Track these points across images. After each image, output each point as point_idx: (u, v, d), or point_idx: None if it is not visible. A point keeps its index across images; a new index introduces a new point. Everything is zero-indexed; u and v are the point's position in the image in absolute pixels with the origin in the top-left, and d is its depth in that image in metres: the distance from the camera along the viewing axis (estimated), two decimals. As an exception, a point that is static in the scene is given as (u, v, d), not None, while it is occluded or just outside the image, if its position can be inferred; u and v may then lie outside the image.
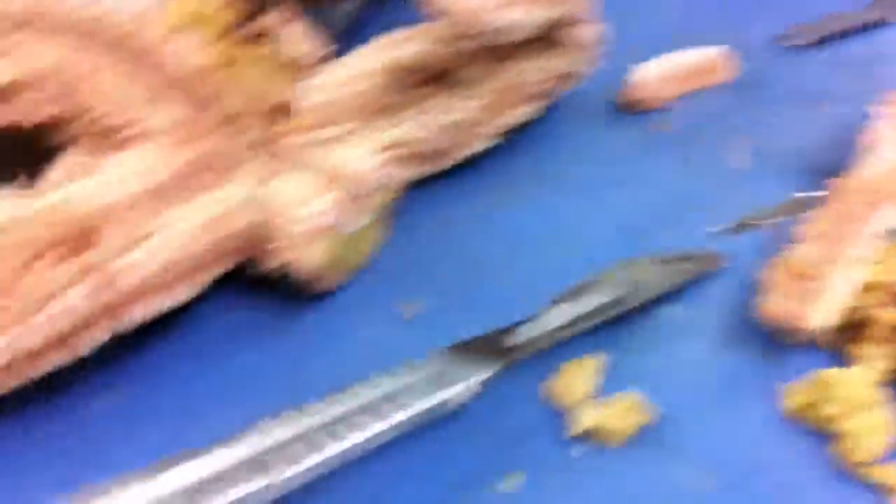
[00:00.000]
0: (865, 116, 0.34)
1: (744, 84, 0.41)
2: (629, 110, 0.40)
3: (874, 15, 0.44)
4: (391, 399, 0.25)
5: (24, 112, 0.31)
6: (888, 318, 0.28)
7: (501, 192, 0.36)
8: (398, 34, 0.37)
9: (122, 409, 0.29)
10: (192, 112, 0.32)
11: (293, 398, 0.26)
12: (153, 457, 0.24)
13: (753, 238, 0.33)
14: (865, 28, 0.44)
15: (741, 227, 0.32)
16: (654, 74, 0.40)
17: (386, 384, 0.25)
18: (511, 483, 0.26)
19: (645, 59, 0.40)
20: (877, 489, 0.26)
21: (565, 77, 0.38)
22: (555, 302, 0.29)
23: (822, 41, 0.43)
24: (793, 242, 0.31)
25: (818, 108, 0.39)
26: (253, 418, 0.25)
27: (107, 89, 0.31)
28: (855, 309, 0.29)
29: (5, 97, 0.31)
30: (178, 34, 0.33)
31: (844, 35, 0.43)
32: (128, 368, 0.30)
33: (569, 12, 0.36)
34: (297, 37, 0.38)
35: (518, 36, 0.35)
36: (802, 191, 0.34)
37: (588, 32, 0.37)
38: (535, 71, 0.37)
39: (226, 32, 0.37)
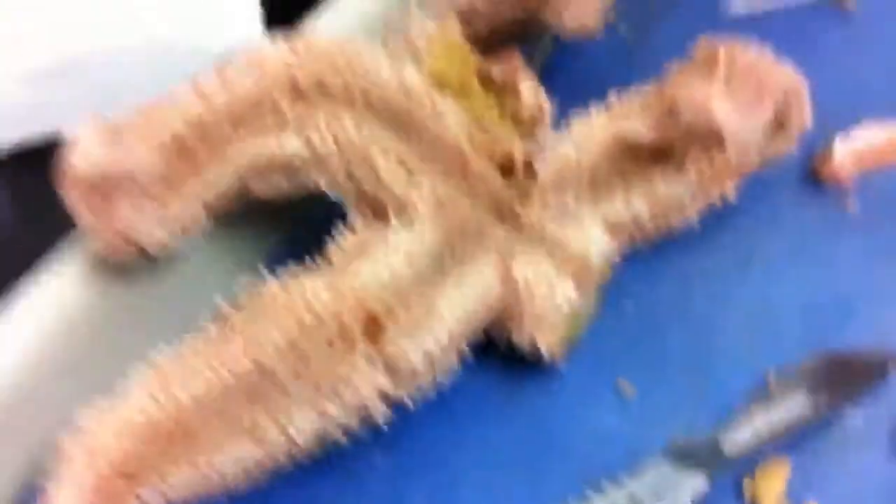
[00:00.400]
0: None
1: None
2: (819, 181, 0.43)
3: None
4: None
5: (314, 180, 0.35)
6: None
7: (693, 270, 0.40)
8: (621, 106, 0.40)
9: (387, 471, 0.34)
10: (446, 183, 0.37)
11: (530, 470, 0.31)
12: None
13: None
14: None
15: None
16: (850, 149, 0.43)
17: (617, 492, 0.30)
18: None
19: (838, 128, 0.43)
20: None
21: (772, 156, 0.41)
22: (754, 403, 0.34)
23: None
24: None
25: None
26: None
27: (381, 163, 0.35)
28: None
29: (290, 168, 0.35)
30: (437, 102, 0.37)
31: None
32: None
33: (793, 106, 0.39)
34: (531, 93, 0.40)
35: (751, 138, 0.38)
36: None
37: (801, 118, 0.40)
38: (757, 151, 0.40)
39: (469, 90, 0.40)
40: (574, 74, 0.47)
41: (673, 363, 0.37)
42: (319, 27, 0.41)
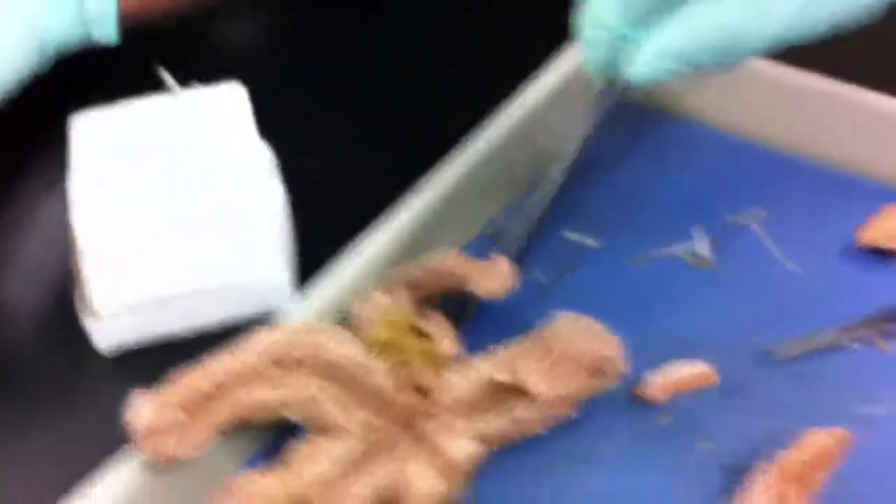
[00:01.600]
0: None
1: (725, 392, 0.63)
2: (639, 401, 0.63)
3: (855, 335, 0.64)
4: None
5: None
6: None
7: (541, 470, 0.61)
8: (499, 357, 0.62)
9: None
10: (373, 416, 0.60)
11: None
12: None
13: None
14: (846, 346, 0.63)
15: None
16: (660, 380, 0.63)
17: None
18: None
19: (651, 364, 0.63)
20: None
21: (597, 390, 0.62)
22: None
23: (802, 356, 0.63)
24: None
25: (779, 421, 0.60)
26: None
27: (327, 407, 0.59)
28: None
29: (272, 409, 0.59)
30: (374, 364, 0.60)
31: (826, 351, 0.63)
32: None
33: (609, 367, 0.60)
34: (447, 340, 0.63)
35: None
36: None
37: (616, 370, 0.61)
38: (582, 391, 0.61)
39: (402, 342, 0.63)
40: (496, 316, 0.69)
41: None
42: (294, 314, 0.65)
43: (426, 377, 0.61)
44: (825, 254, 0.68)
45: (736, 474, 0.57)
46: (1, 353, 0.63)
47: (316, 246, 0.62)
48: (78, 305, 0.59)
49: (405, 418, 0.59)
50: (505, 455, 0.61)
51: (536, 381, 0.57)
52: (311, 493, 0.55)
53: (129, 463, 0.56)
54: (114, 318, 0.65)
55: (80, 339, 0.59)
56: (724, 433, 0.59)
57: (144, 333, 0.60)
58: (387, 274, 0.65)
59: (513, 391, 0.60)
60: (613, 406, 0.62)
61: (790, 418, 0.59)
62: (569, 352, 0.58)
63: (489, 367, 0.61)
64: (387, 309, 0.62)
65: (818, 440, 0.54)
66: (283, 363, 0.58)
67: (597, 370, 0.59)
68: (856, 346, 0.63)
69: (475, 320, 0.67)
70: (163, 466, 0.57)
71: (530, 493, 0.59)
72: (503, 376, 0.59)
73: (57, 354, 0.60)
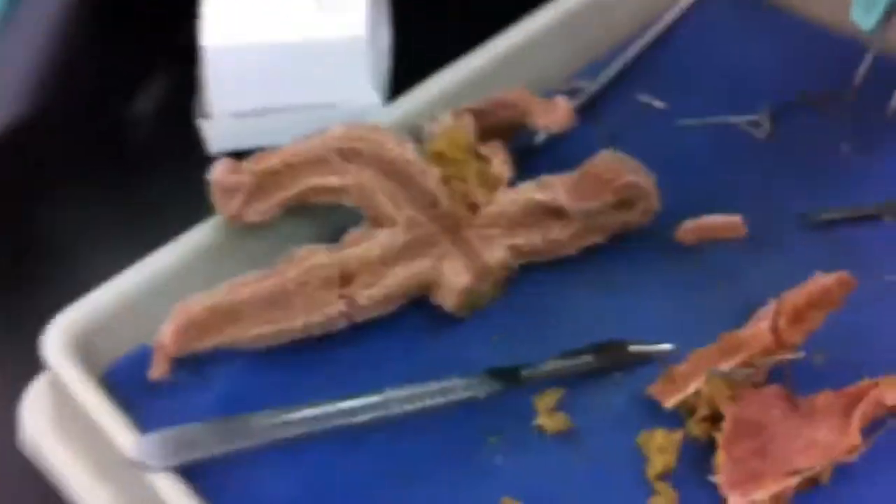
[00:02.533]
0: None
1: (756, 246, 0.67)
2: (671, 244, 0.67)
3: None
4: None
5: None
6: (700, 412, 0.57)
7: (566, 285, 0.66)
8: (544, 181, 0.67)
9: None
10: (420, 214, 0.66)
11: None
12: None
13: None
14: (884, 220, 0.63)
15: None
16: (692, 223, 0.67)
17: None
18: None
19: (689, 214, 0.67)
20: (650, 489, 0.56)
21: (632, 223, 0.67)
22: (553, 358, 0.60)
23: (838, 223, 0.65)
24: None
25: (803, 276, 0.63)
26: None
27: (381, 198, 0.66)
28: (689, 401, 0.58)
29: (333, 193, 0.66)
30: (429, 169, 0.66)
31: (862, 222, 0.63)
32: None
33: (637, 194, 0.65)
34: (501, 163, 0.69)
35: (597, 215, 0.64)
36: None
37: (649, 202, 0.66)
38: (612, 219, 0.66)
39: (461, 160, 0.69)
40: (551, 155, 0.74)
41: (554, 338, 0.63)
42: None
43: (477, 194, 0.67)
44: (882, 139, 0.70)
45: (751, 313, 0.60)
46: (131, 155, 0.76)
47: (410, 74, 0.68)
48: (196, 111, 0.67)
49: (450, 223, 0.65)
50: (535, 268, 0.66)
51: (562, 193, 0.62)
52: (357, 269, 0.62)
53: (211, 224, 0.65)
54: (224, 119, 0.72)
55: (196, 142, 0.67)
56: (748, 280, 0.63)
57: (249, 140, 0.67)
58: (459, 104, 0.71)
59: (551, 213, 0.65)
60: (645, 244, 0.66)
61: (815, 274, 0.62)
62: (596, 172, 0.63)
63: (531, 187, 0.66)
64: (451, 127, 0.68)
65: (821, 280, 0.57)
66: (347, 154, 0.65)
67: (626, 199, 0.64)
68: (893, 221, 0.65)
69: (536, 161, 0.72)
70: (237, 228, 0.65)
71: (552, 305, 0.64)
72: (539, 195, 0.64)
73: (175, 156, 0.69)
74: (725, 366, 0.57)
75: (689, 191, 0.65)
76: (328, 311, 0.61)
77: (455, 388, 0.57)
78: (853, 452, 0.52)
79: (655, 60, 0.79)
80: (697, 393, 0.56)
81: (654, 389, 0.57)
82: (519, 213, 0.65)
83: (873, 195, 0.63)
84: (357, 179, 0.65)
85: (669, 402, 0.56)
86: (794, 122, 0.69)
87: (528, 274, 0.66)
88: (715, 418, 0.56)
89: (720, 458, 0.53)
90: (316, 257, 0.62)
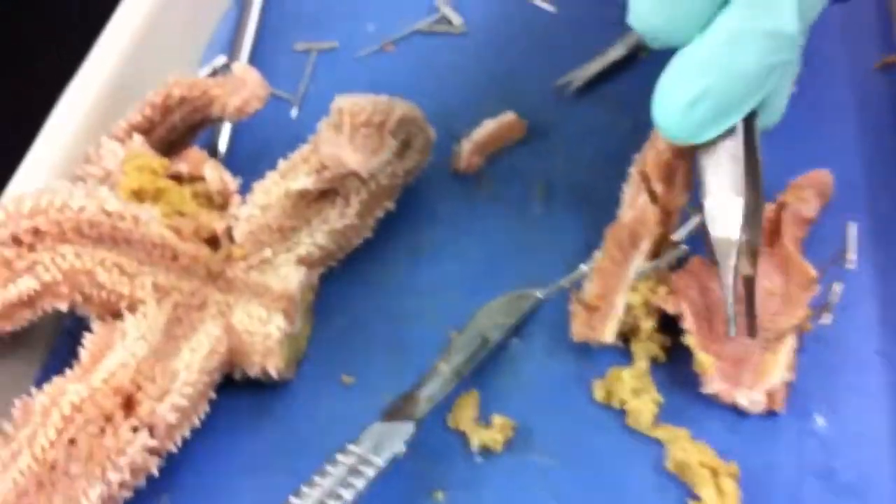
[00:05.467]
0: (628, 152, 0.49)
1: (535, 136, 0.56)
2: (460, 175, 0.54)
3: (621, 51, 0.59)
4: (354, 470, 0.40)
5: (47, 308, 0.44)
6: (647, 325, 0.45)
7: (376, 270, 0.51)
8: (286, 165, 0.50)
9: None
10: (163, 277, 0.46)
11: (285, 467, 0.41)
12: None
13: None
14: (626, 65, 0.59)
15: (554, 289, 0.47)
16: (471, 145, 0.55)
17: (348, 458, 0.41)
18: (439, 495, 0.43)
19: (464, 129, 0.55)
20: (655, 442, 0.43)
21: (413, 170, 0.52)
22: (438, 363, 0.45)
23: (591, 84, 0.58)
24: (585, 282, 0.47)
25: (591, 148, 0.55)
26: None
27: (104, 277, 0.44)
28: (628, 322, 0.46)
29: (51, 293, 0.44)
30: (136, 213, 0.46)
31: (609, 75, 0.58)
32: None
33: (413, 130, 0.51)
34: (213, 171, 0.51)
35: (384, 170, 0.49)
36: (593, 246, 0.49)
37: (424, 136, 0.52)
38: (392, 175, 0.51)
39: (164, 192, 0.49)
40: (253, 151, 0.57)
41: (379, 349, 0.47)
42: (23, 182, 0.49)
43: (210, 220, 0.48)
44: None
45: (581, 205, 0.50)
46: None
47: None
48: None
49: (205, 271, 0.46)
50: (335, 276, 0.50)
51: (347, 154, 0.46)
52: (132, 383, 0.41)
53: None
54: None
55: None
56: (548, 175, 0.53)
57: None
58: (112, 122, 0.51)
59: (316, 199, 0.49)
60: (436, 188, 0.53)
61: (611, 142, 0.53)
62: (364, 119, 0.48)
63: (275, 181, 0.49)
64: (127, 156, 0.48)
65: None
66: (24, 242, 0.43)
67: (404, 140, 0.50)
68: (642, 55, 0.58)
69: (232, 152, 0.55)
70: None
71: (374, 299, 0.49)
72: (294, 184, 0.48)
73: None
74: (631, 266, 0.46)
75: (445, 111, 0.53)
76: (126, 460, 0.40)
77: (364, 455, 0.40)
78: (814, 285, 0.44)
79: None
80: (631, 309, 0.45)
81: (580, 331, 0.45)
82: (280, 215, 0.48)
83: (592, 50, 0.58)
84: (57, 266, 0.43)
85: (608, 334, 0.44)
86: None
87: (330, 286, 0.49)
88: (661, 327, 0.45)
89: (703, 361, 0.43)
90: (66, 395, 0.40)
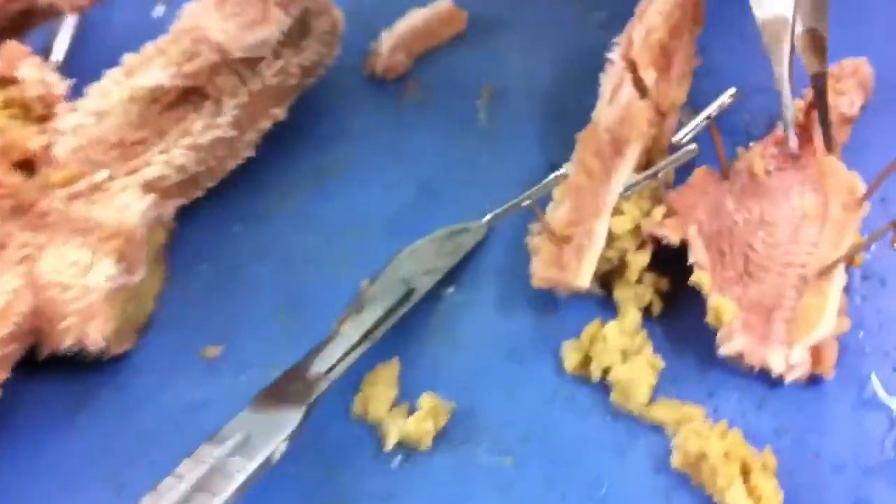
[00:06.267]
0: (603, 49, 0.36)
1: (477, 30, 0.42)
2: (379, 80, 0.41)
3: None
4: (211, 480, 0.26)
5: None
6: (637, 261, 0.32)
7: (266, 205, 0.37)
8: (134, 59, 0.36)
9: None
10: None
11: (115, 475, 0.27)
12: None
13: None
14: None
15: (507, 211, 0.33)
16: (393, 41, 0.41)
17: (202, 463, 0.27)
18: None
19: (384, 24, 0.41)
20: (653, 427, 0.30)
21: (313, 67, 0.38)
22: (341, 321, 0.31)
23: None
24: (550, 205, 0.33)
25: (552, 45, 0.41)
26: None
27: None
28: (610, 258, 0.32)
29: None
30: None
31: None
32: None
33: (311, 6, 0.37)
34: (34, 77, 0.36)
35: (266, 51, 0.35)
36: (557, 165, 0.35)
37: (330, 18, 0.38)
38: (283, 72, 0.37)
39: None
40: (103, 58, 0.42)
41: (260, 307, 0.33)
42: None
43: (22, 135, 0.33)
44: None
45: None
46: None
47: None
48: None
49: (10, 203, 0.32)
50: (211, 207, 0.36)
51: (211, 23, 0.32)
52: None
53: None
54: None
55: None
56: (496, 79, 0.40)
57: None
58: None
59: (177, 106, 0.35)
60: (347, 96, 0.39)
61: (578, 38, 0.40)
62: None
63: (116, 78, 0.35)
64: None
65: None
66: None
67: (300, 21, 0.36)
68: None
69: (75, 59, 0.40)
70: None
71: (258, 244, 0.34)
72: (143, 81, 0.34)
73: None
74: (614, 182, 0.32)
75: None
76: None
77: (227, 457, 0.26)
78: (863, 203, 0.31)
79: None
80: (615, 240, 0.31)
81: (543, 272, 0.31)
82: (122, 125, 0.34)
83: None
84: None
85: (583, 276, 0.31)
86: None
87: (192, 224, 0.35)
88: (657, 265, 0.32)
89: (720, 308, 0.29)
90: None
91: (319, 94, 0.39)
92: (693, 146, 0.31)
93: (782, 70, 0.31)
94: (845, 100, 0.35)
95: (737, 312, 0.30)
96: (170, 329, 0.33)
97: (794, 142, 0.32)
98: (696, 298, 0.31)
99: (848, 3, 0.39)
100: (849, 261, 0.31)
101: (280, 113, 0.38)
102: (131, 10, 0.43)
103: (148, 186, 0.35)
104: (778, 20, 0.32)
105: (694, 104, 0.36)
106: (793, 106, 0.32)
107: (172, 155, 0.35)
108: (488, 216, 0.32)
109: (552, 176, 0.31)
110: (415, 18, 0.42)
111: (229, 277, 0.35)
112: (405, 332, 0.32)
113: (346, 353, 0.31)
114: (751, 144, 0.35)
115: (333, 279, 0.34)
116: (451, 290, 0.34)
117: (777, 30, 0.31)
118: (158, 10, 0.44)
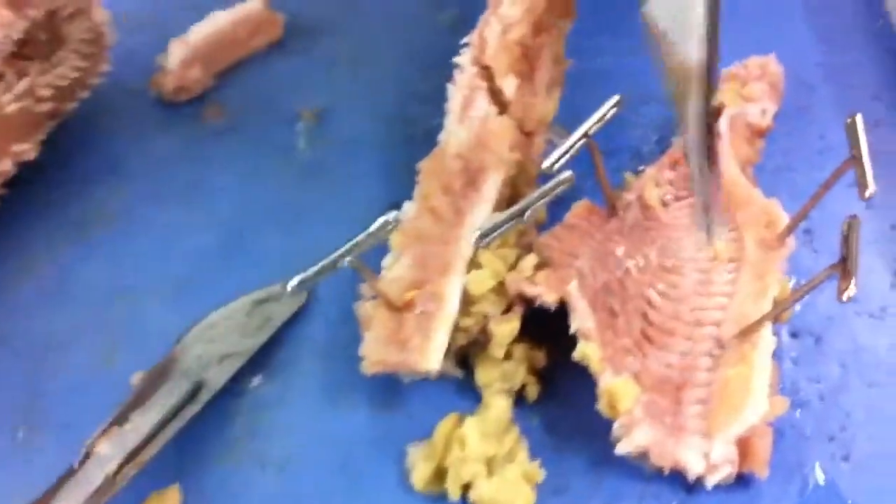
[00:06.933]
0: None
1: (295, 37, 0.34)
2: (169, 102, 0.31)
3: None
4: None
5: None
6: (503, 331, 0.24)
7: (14, 265, 0.27)
8: None
9: None
10: None
11: None
12: None
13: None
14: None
15: (324, 271, 0.24)
16: (187, 53, 0.32)
17: None
18: None
19: (177, 31, 0.32)
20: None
21: (71, 88, 0.29)
22: (97, 437, 0.22)
23: None
24: (385, 258, 0.25)
25: (389, 53, 0.33)
26: None
27: None
28: (467, 328, 0.24)
29: None
30: None
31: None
32: None
33: (62, 6, 0.27)
34: None
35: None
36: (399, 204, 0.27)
37: (90, 24, 0.29)
38: (24, 95, 0.28)
39: None
40: None
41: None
42: None
43: None
44: None
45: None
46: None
47: None
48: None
49: None
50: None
51: None
52: None
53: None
54: None
55: None
56: (320, 96, 0.31)
57: None
58: None
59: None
60: (128, 123, 0.30)
61: (422, 39, 0.32)
62: None
63: None
64: None
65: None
66: None
67: (46, 27, 0.27)
68: None
69: None
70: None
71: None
72: None
73: None
74: (467, 223, 0.24)
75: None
76: None
77: None
78: (786, 239, 0.24)
79: None
80: (473, 303, 0.23)
81: (378, 352, 0.23)
82: None
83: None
84: None
85: (431, 357, 0.22)
86: None
87: None
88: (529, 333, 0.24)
89: (614, 391, 0.21)
90: None
91: (88, 122, 0.30)
92: (568, 173, 0.23)
93: (694, 139, 0.23)
94: (755, 108, 0.28)
95: (637, 395, 0.22)
96: None
97: (709, 238, 0.24)
98: (583, 375, 0.23)
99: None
100: (775, 318, 0.24)
101: (26, 150, 0.28)
102: None
103: None
104: (686, 67, 0.22)
105: (566, 119, 0.28)
106: (706, 183, 0.24)
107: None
108: (297, 278, 0.23)
109: (381, 220, 0.23)
110: (216, 24, 0.33)
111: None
112: (191, 445, 0.23)
113: (104, 485, 0.21)
114: (641, 168, 0.28)
115: (93, 373, 0.25)
116: (256, 380, 0.25)
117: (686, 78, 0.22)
118: None
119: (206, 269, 0.28)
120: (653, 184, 0.27)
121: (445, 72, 0.28)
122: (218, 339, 0.25)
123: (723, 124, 0.27)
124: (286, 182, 0.30)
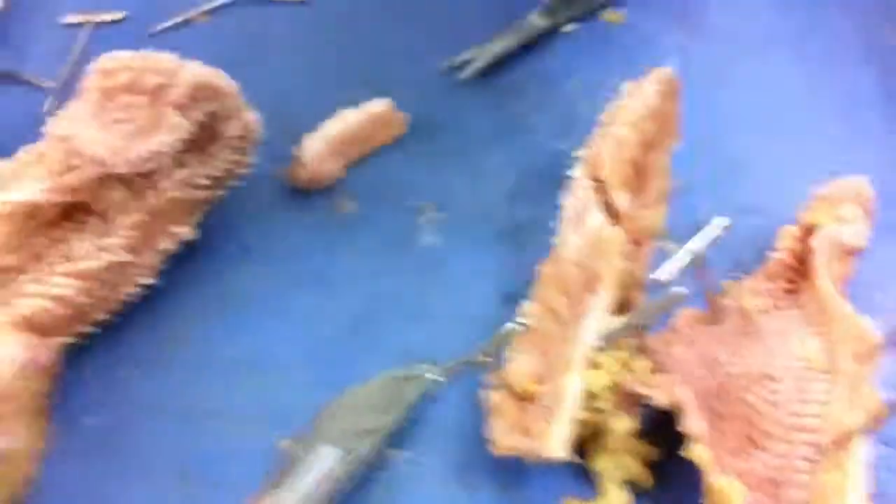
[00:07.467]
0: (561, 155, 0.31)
1: (417, 134, 0.37)
2: (304, 192, 0.35)
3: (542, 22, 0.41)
4: None
5: None
6: (619, 427, 0.26)
7: (173, 336, 0.30)
8: (6, 167, 0.30)
9: None
10: None
11: None
12: None
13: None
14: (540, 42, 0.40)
15: (459, 366, 0.27)
16: (321, 147, 0.35)
17: None
18: None
19: (310, 127, 0.35)
20: None
21: (224, 178, 0.32)
22: (259, 496, 0.25)
23: (485, 71, 0.39)
24: (509, 357, 0.27)
25: (501, 151, 0.36)
26: None
27: None
28: (586, 421, 0.26)
29: None
30: None
31: (502, 59, 0.40)
32: None
33: (219, 109, 0.31)
34: None
35: (162, 162, 0.29)
36: (511, 295, 0.30)
37: (242, 124, 0.32)
38: (187, 184, 0.31)
39: None
40: None
41: (157, 476, 0.27)
42: None
43: None
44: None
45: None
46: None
47: None
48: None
49: None
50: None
51: (87, 133, 0.26)
52: None
53: None
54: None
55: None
56: (440, 191, 0.34)
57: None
58: None
59: (58, 225, 0.30)
60: (266, 210, 0.33)
61: (532, 144, 0.36)
62: (125, 81, 0.28)
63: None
64: None
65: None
66: None
67: (206, 126, 0.30)
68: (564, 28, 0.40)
69: None
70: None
71: (144, 372, 0.28)
72: (28, 192, 0.28)
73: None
74: (584, 325, 0.27)
75: (274, 103, 0.33)
76: None
77: None
78: (878, 351, 0.26)
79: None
80: (591, 399, 0.26)
81: (505, 438, 0.25)
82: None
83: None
84: None
85: (554, 443, 0.25)
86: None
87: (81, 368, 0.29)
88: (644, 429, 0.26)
89: (722, 489, 0.24)
90: None
91: (232, 208, 0.33)
92: (682, 290, 0.26)
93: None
94: (849, 230, 0.31)
95: (745, 495, 0.25)
96: (51, 501, 0.26)
97: None
98: (690, 471, 0.25)
99: (840, 115, 0.35)
100: (869, 428, 0.26)
101: (185, 231, 0.31)
102: (20, 103, 0.37)
103: (19, 323, 0.28)
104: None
105: (670, 227, 0.31)
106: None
107: (51, 284, 0.28)
108: (438, 372, 0.26)
109: (510, 325, 0.26)
110: (346, 121, 0.36)
111: (119, 434, 0.28)
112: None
113: None
114: (740, 277, 0.30)
115: (244, 438, 0.27)
116: (396, 454, 0.27)
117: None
118: (48, 103, 0.38)
119: (338, 348, 0.31)
120: (751, 293, 0.29)
121: (552, 172, 0.32)
122: (358, 412, 0.28)
123: (818, 242, 0.30)
124: (407, 271, 0.33)
